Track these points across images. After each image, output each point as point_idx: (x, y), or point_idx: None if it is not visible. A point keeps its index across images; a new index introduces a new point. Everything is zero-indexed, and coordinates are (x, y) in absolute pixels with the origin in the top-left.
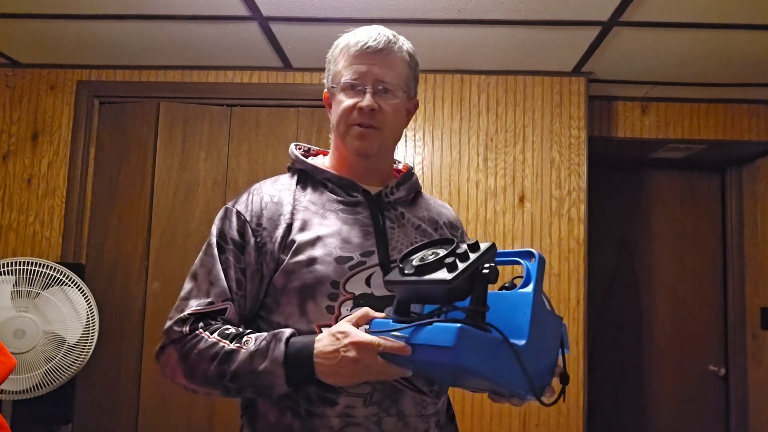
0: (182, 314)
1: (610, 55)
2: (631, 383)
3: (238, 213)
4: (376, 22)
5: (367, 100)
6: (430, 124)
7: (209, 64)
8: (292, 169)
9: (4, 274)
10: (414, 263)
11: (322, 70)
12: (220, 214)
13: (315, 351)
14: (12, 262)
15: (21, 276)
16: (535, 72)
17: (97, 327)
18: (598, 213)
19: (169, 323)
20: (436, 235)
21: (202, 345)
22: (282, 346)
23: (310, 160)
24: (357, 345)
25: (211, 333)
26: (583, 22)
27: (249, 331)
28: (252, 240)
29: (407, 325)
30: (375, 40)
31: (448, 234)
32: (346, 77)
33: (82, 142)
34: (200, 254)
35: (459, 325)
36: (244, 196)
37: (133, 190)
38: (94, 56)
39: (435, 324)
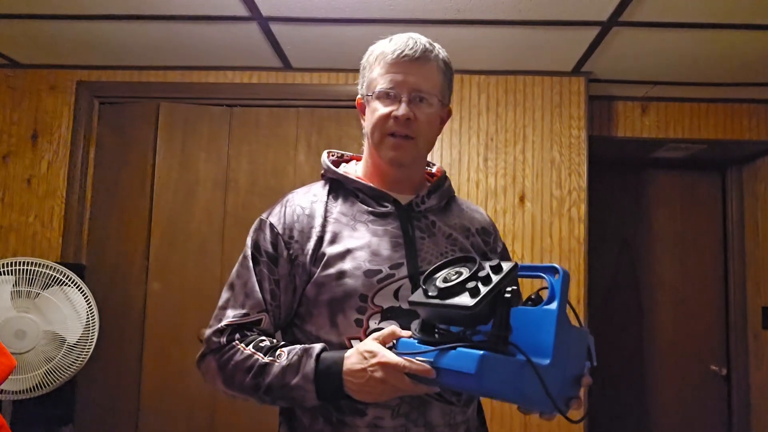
0: (220, 324)
1: (609, 55)
2: (632, 383)
3: (272, 225)
4: (376, 23)
5: (402, 109)
6: None
7: (209, 65)
8: (325, 178)
9: (5, 275)
10: (437, 284)
11: (323, 70)
12: (255, 225)
13: (344, 369)
14: (12, 262)
15: (21, 276)
16: (535, 72)
17: (97, 327)
18: (599, 213)
19: (208, 332)
20: (467, 243)
21: (238, 357)
22: (312, 362)
23: (342, 168)
24: (384, 366)
25: (247, 345)
26: (583, 22)
27: (282, 343)
28: (285, 252)
29: (431, 348)
30: (412, 48)
31: (479, 241)
32: (382, 85)
33: (82, 143)
34: (237, 265)
35: (481, 352)
36: (277, 208)
37: (134, 190)
38: (94, 56)
39: (458, 349)
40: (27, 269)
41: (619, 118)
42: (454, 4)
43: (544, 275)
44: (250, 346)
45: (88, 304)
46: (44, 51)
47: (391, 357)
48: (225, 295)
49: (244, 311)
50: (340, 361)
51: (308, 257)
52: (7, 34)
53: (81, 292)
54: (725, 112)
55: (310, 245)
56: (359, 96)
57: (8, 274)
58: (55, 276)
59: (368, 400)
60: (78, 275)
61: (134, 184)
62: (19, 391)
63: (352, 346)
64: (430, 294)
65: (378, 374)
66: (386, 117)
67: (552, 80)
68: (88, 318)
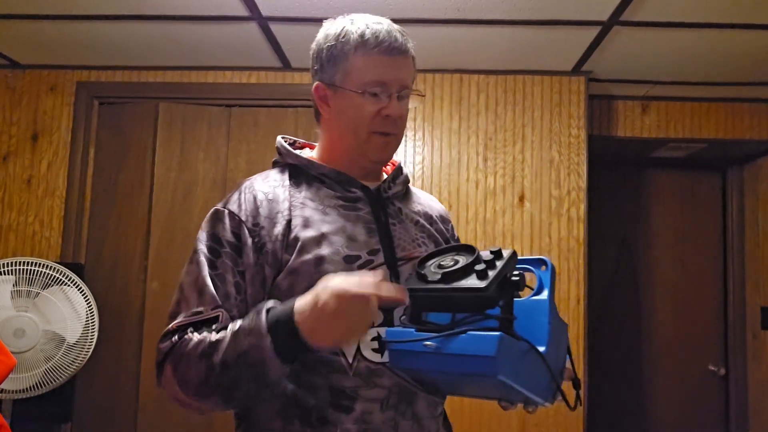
0: (168, 327)
1: (610, 54)
2: (631, 383)
3: (231, 213)
4: None
5: (396, 108)
6: (429, 124)
7: (208, 65)
8: (280, 164)
9: (4, 274)
10: (433, 269)
11: None
12: (209, 216)
13: (295, 307)
14: (12, 262)
15: (21, 276)
16: (535, 71)
17: (96, 326)
18: (598, 213)
19: (158, 343)
20: (432, 229)
21: (189, 347)
22: (263, 315)
23: (299, 154)
24: (338, 295)
25: (200, 333)
26: (583, 22)
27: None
28: (249, 241)
29: (436, 335)
30: (397, 40)
31: (441, 228)
32: (371, 80)
33: (82, 143)
34: (186, 264)
35: (499, 333)
36: (235, 195)
37: (133, 190)
38: (94, 57)
39: (469, 333)
40: (27, 269)
41: (619, 117)
42: (453, 4)
43: (532, 268)
44: (203, 332)
45: (87, 304)
46: (44, 51)
47: (343, 285)
48: (174, 299)
49: (196, 310)
50: (292, 302)
51: (278, 243)
52: (7, 34)
53: (80, 292)
54: (726, 111)
55: (279, 230)
56: (320, 82)
57: (8, 274)
58: (54, 276)
59: (328, 343)
60: (77, 275)
61: (133, 184)
62: (19, 390)
63: None
64: (430, 279)
65: (330, 304)
66: (375, 114)
67: (552, 80)
68: (87, 317)
